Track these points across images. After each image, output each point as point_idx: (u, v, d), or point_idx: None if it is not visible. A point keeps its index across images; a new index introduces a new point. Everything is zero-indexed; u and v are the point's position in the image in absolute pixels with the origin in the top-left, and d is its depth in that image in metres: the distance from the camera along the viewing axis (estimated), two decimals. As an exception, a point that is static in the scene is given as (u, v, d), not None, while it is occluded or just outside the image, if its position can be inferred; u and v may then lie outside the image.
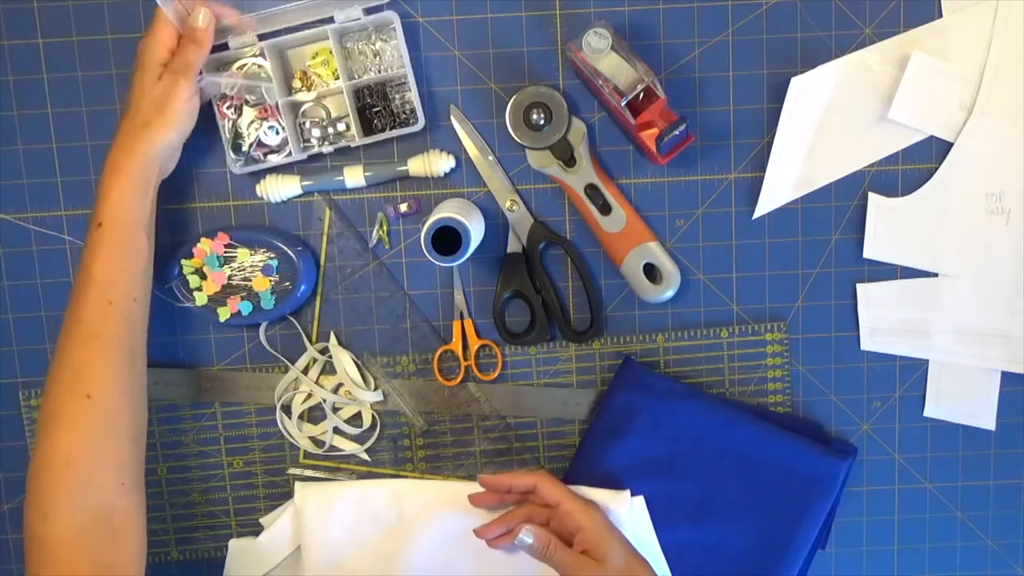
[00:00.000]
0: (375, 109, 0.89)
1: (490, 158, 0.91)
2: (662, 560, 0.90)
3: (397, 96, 0.89)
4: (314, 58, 0.89)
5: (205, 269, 0.89)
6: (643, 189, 0.92)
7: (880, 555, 0.96)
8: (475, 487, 0.91)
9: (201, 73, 0.86)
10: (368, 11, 0.87)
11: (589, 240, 0.92)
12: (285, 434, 0.94)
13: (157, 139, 0.83)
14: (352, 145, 0.89)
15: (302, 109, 0.90)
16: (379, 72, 0.89)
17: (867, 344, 0.94)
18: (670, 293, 0.91)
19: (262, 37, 0.88)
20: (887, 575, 0.97)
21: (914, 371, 0.94)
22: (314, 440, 0.94)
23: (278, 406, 0.93)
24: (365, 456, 0.94)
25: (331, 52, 0.88)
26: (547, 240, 0.92)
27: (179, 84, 0.82)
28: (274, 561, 0.91)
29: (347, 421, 0.94)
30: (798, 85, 0.89)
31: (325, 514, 0.90)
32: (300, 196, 0.91)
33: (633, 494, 0.89)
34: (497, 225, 0.92)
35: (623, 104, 0.83)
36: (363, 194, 0.92)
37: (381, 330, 0.93)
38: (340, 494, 0.91)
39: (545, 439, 0.95)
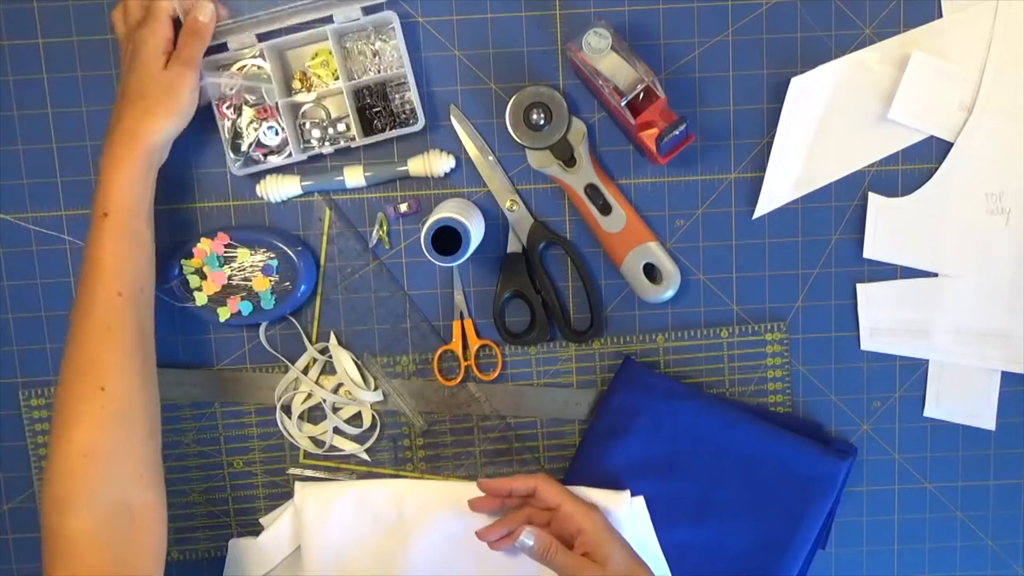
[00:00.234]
0: (375, 109, 0.89)
1: (490, 158, 0.91)
2: (662, 560, 0.90)
3: (397, 96, 0.89)
4: (314, 59, 0.89)
5: (205, 269, 0.90)
6: (643, 189, 0.92)
7: (880, 555, 0.96)
8: (475, 487, 0.91)
9: (200, 75, 0.86)
10: (367, 11, 0.87)
11: (589, 240, 0.92)
12: (285, 434, 0.94)
13: (163, 127, 0.83)
14: (352, 145, 0.89)
15: (302, 110, 0.90)
16: (379, 72, 0.89)
17: (867, 344, 0.94)
18: (670, 293, 0.91)
19: (261, 38, 0.88)
20: (887, 575, 0.97)
21: (914, 371, 0.94)
22: (314, 440, 0.94)
23: (278, 406, 0.93)
24: (365, 456, 0.95)
25: (331, 52, 0.88)
26: (547, 240, 0.92)
27: (187, 74, 0.83)
28: (274, 561, 0.91)
29: (347, 421, 0.94)
30: (798, 85, 0.89)
31: (325, 514, 0.90)
32: (300, 196, 0.91)
33: (633, 494, 0.89)
34: (497, 225, 0.92)
35: (623, 104, 0.83)
36: (363, 194, 0.92)
37: (381, 330, 0.93)
38: (340, 494, 0.91)
39: (545, 439, 0.95)
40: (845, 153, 0.91)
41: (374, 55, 0.89)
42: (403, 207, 0.91)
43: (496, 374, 0.94)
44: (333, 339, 0.93)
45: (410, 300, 0.93)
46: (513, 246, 0.92)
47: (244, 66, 0.88)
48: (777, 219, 0.92)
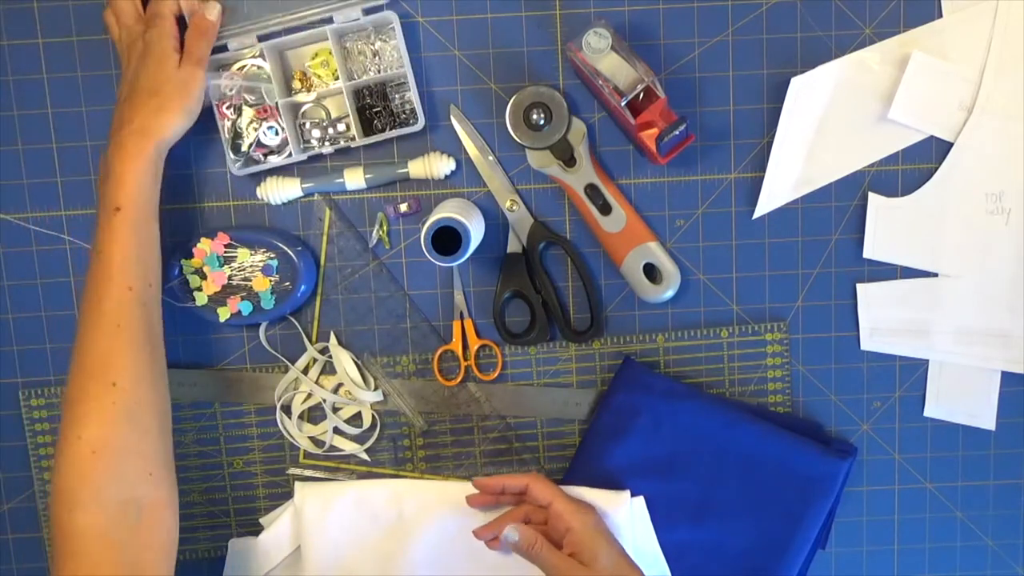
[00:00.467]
0: (375, 109, 0.89)
1: (490, 158, 0.91)
2: (662, 560, 0.90)
3: (397, 96, 0.89)
4: (313, 59, 0.89)
5: (205, 269, 0.90)
6: (643, 189, 0.92)
7: (880, 555, 0.96)
8: (473, 488, 0.91)
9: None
10: (367, 11, 0.87)
11: (589, 240, 0.92)
12: (285, 434, 0.94)
13: (176, 123, 0.83)
14: (352, 145, 0.89)
15: (302, 110, 0.90)
16: (379, 72, 0.89)
17: (867, 344, 0.94)
18: (670, 293, 0.91)
19: (261, 38, 0.88)
20: (887, 575, 0.97)
21: (914, 371, 0.94)
22: (314, 440, 0.94)
23: (278, 406, 0.93)
24: (365, 456, 0.95)
25: (331, 52, 0.88)
26: (547, 240, 0.92)
27: (199, 72, 0.84)
28: (274, 561, 0.91)
29: (347, 421, 0.94)
30: (798, 85, 0.89)
31: (325, 514, 0.90)
32: (300, 197, 0.91)
33: (633, 494, 0.89)
34: (497, 225, 0.92)
35: (623, 104, 0.83)
36: (363, 194, 0.92)
37: (381, 330, 0.93)
38: (340, 494, 0.91)
39: (545, 439, 0.95)
40: (845, 153, 0.91)
41: (374, 55, 0.89)
42: (403, 207, 0.91)
43: (496, 374, 0.94)
44: (333, 339, 0.93)
45: (410, 300, 0.93)
46: (513, 246, 0.92)
47: (244, 66, 0.88)
48: (777, 219, 0.92)
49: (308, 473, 0.95)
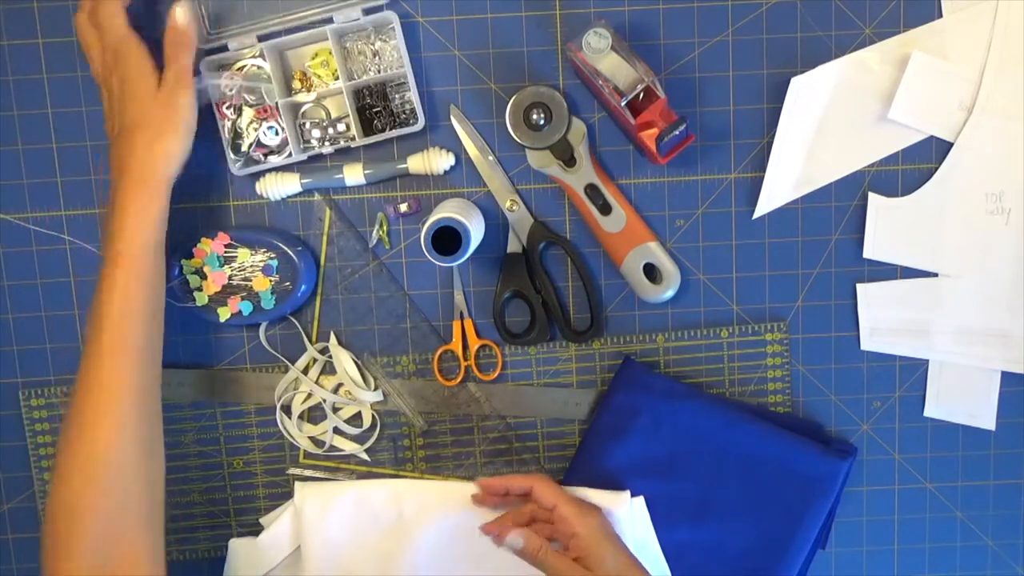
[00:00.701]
0: (375, 109, 0.89)
1: (490, 158, 0.91)
2: (662, 560, 0.90)
3: (397, 96, 0.89)
4: (313, 59, 0.89)
5: (205, 269, 0.90)
6: (643, 189, 0.92)
7: (880, 555, 0.96)
8: (475, 487, 0.91)
9: (200, 74, 0.86)
10: (367, 11, 0.87)
11: (589, 240, 0.92)
12: (285, 434, 0.94)
13: (175, 148, 0.81)
14: (352, 145, 0.89)
15: (302, 110, 0.90)
16: (379, 72, 0.89)
17: (867, 344, 0.94)
18: (670, 293, 0.91)
19: (261, 38, 0.88)
20: (887, 575, 0.97)
21: (914, 371, 0.94)
22: (314, 440, 0.94)
23: (278, 406, 0.93)
24: (365, 456, 0.95)
25: (331, 52, 0.88)
26: (547, 240, 0.92)
27: (181, 86, 0.82)
28: (274, 561, 0.91)
29: (347, 421, 0.94)
30: (798, 85, 0.89)
31: (325, 514, 0.90)
32: (300, 195, 0.91)
33: (633, 494, 0.89)
34: (497, 225, 0.92)
35: (623, 104, 0.83)
36: (363, 194, 0.92)
37: (381, 330, 0.93)
38: (340, 494, 0.91)
39: (545, 439, 0.95)
40: (845, 153, 0.91)
41: (374, 55, 0.89)
42: (403, 207, 0.91)
43: (496, 374, 0.94)
44: (333, 339, 0.93)
45: (410, 300, 0.93)
46: (513, 246, 0.92)
47: (244, 66, 0.88)
48: (777, 219, 0.92)
49: (308, 473, 0.95)
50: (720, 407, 0.91)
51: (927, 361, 0.94)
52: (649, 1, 0.89)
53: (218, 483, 0.95)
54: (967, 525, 0.96)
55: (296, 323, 0.93)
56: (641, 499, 0.89)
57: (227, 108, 0.88)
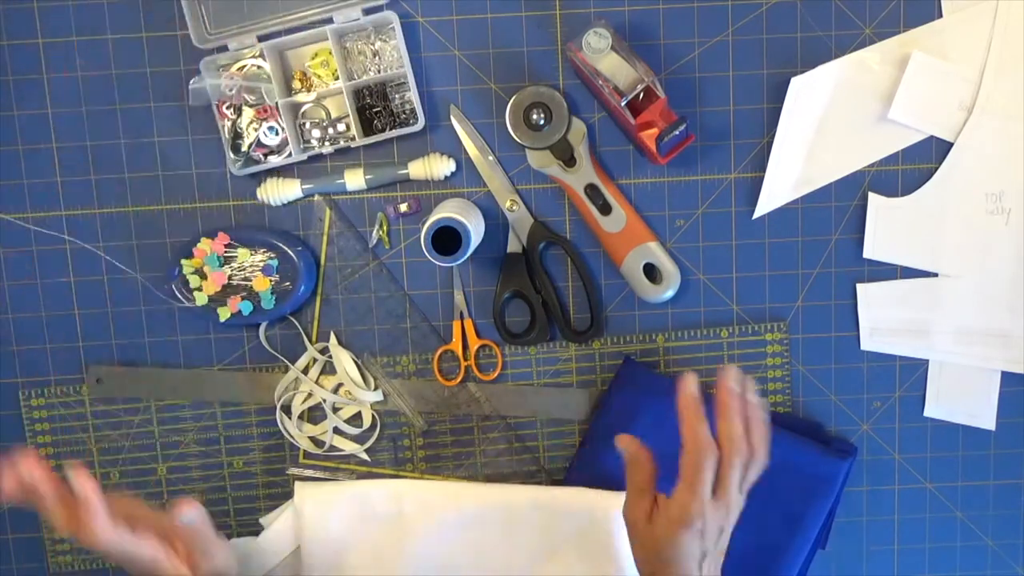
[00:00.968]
0: (375, 109, 0.89)
1: (490, 158, 0.91)
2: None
3: (397, 96, 0.89)
4: (313, 59, 0.89)
5: (205, 269, 0.89)
6: (643, 189, 0.92)
7: (880, 555, 0.96)
8: (475, 487, 0.91)
9: (199, 75, 0.86)
10: (367, 11, 0.87)
11: (589, 240, 0.92)
12: (285, 434, 0.94)
13: None
14: (352, 145, 0.89)
15: (302, 110, 0.90)
16: (379, 72, 0.89)
17: (867, 344, 0.94)
18: (670, 293, 0.91)
19: (261, 38, 0.88)
20: (887, 575, 0.97)
21: (914, 371, 0.94)
22: (314, 440, 0.94)
23: (278, 406, 0.93)
24: (365, 456, 0.95)
25: (331, 52, 0.88)
26: (547, 240, 0.92)
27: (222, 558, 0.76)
28: (274, 561, 0.91)
29: (347, 421, 0.94)
30: (798, 85, 0.89)
31: (325, 514, 0.90)
32: (301, 199, 0.91)
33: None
34: (497, 225, 0.92)
35: (623, 104, 0.83)
36: (363, 194, 0.92)
37: (381, 330, 0.93)
38: (340, 494, 0.91)
39: (545, 439, 0.95)
40: (845, 153, 0.91)
41: (374, 55, 0.89)
42: (403, 207, 0.91)
43: (496, 374, 0.94)
44: (333, 339, 0.93)
45: (410, 300, 0.93)
46: (513, 246, 0.92)
47: (244, 66, 0.88)
48: (777, 219, 0.92)
49: (308, 473, 0.95)
50: (720, 407, 0.91)
51: (927, 361, 0.94)
52: (649, 1, 0.89)
53: (218, 483, 0.95)
54: (967, 525, 0.96)
55: (296, 323, 0.93)
56: (641, 499, 0.89)
57: (227, 108, 0.88)
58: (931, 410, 0.95)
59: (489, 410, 0.94)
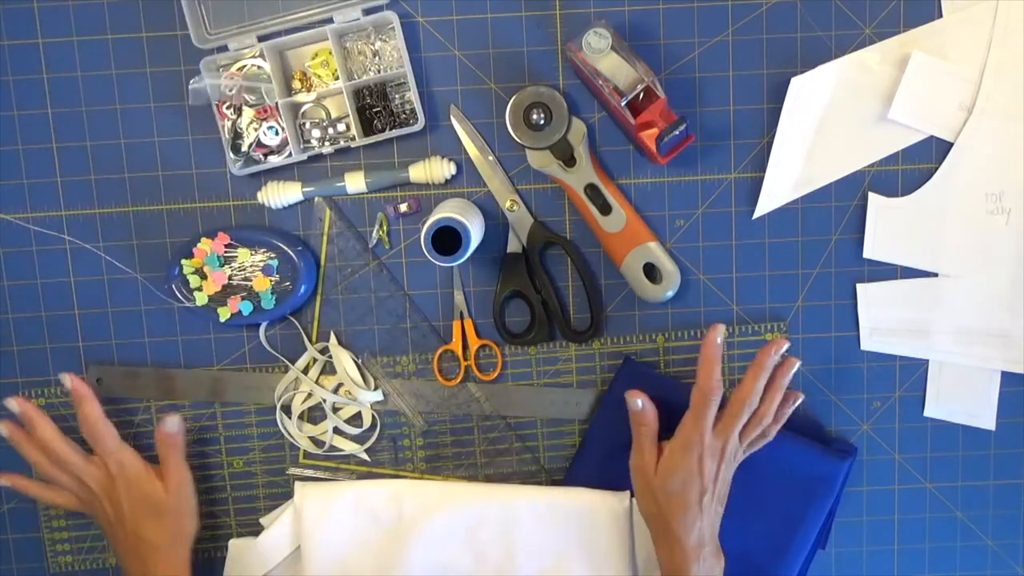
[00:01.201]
0: (375, 109, 0.89)
1: (490, 158, 0.91)
2: (662, 560, 0.90)
3: (397, 96, 0.89)
4: (313, 59, 0.89)
5: (205, 269, 0.89)
6: (643, 189, 0.92)
7: (880, 555, 0.96)
8: (475, 487, 0.91)
9: (199, 75, 0.86)
10: (367, 11, 0.87)
11: (589, 240, 0.92)
12: (285, 434, 0.94)
13: (192, 530, 0.89)
14: (352, 145, 0.89)
15: (302, 110, 0.90)
16: (379, 72, 0.89)
17: (867, 344, 0.94)
18: (670, 293, 0.91)
19: (261, 38, 0.88)
20: (887, 575, 0.97)
21: (914, 371, 0.94)
22: (314, 440, 0.94)
23: (278, 406, 0.93)
24: (365, 456, 0.95)
25: (331, 52, 0.88)
26: (547, 240, 0.92)
27: (188, 482, 0.89)
28: (274, 561, 0.91)
29: (347, 421, 0.94)
30: (798, 85, 0.89)
31: (325, 514, 0.90)
32: (301, 201, 0.91)
33: (633, 495, 0.89)
34: (497, 225, 0.92)
35: (623, 104, 0.83)
36: (363, 195, 0.92)
37: (381, 330, 0.93)
38: (340, 494, 0.91)
39: (545, 439, 0.95)
40: (845, 153, 0.91)
41: (374, 55, 0.89)
42: (403, 207, 0.91)
43: (496, 374, 0.94)
44: (333, 339, 0.93)
45: (410, 300, 0.93)
46: (513, 246, 0.92)
47: (244, 66, 0.88)
48: (777, 219, 0.92)
49: (308, 473, 0.95)
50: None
51: (927, 361, 0.94)
52: (649, 1, 0.89)
53: (218, 483, 0.95)
54: (967, 525, 0.96)
55: (296, 323, 0.93)
56: (641, 499, 0.89)
57: (227, 108, 0.88)
58: (931, 410, 0.95)
59: (489, 410, 0.94)
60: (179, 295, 0.90)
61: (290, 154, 0.88)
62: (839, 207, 0.92)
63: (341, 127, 0.89)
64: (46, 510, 0.95)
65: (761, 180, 0.91)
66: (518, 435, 0.95)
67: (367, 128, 0.90)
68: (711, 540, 0.83)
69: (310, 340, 0.93)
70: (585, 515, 0.90)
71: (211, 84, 0.87)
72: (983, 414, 0.94)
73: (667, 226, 0.92)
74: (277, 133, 0.89)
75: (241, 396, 0.94)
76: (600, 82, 0.84)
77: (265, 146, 0.89)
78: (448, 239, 0.83)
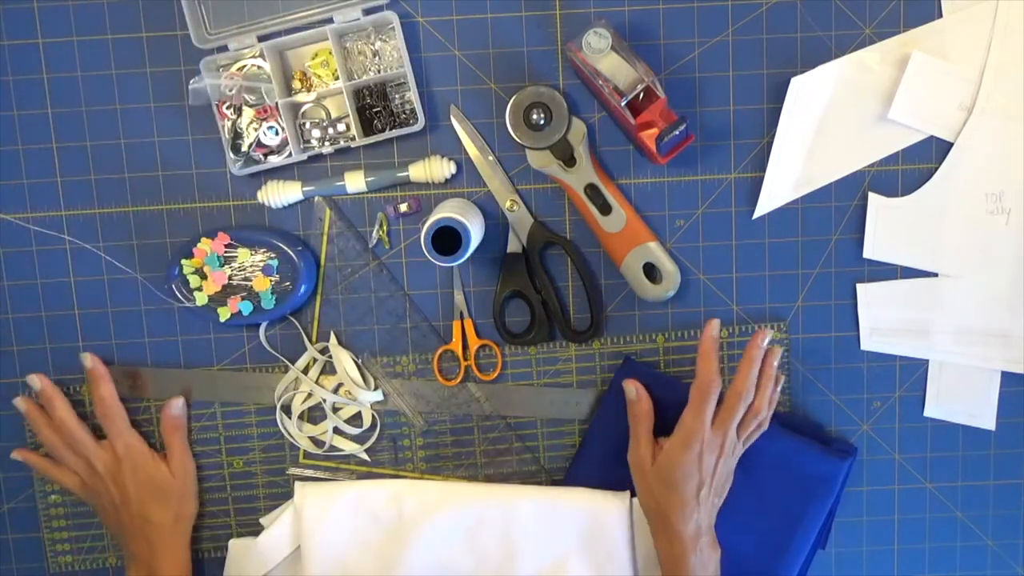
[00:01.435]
0: (375, 109, 0.89)
1: (490, 158, 0.91)
2: (662, 560, 0.90)
3: (397, 96, 0.89)
4: (314, 59, 0.89)
5: (205, 269, 0.89)
6: (643, 189, 0.92)
7: (880, 555, 0.96)
8: (475, 487, 0.91)
9: (199, 75, 0.86)
10: (367, 11, 0.87)
11: (589, 240, 0.92)
12: (285, 434, 0.94)
13: (194, 511, 0.93)
14: (352, 145, 0.89)
15: (302, 110, 0.90)
16: (379, 72, 0.89)
17: (867, 344, 0.94)
18: (670, 293, 0.91)
19: (261, 38, 0.88)
20: (887, 575, 0.97)
21: (914, 371, 0.94)
22: (314, 440, 0.94)
23: (278, 406, 0.93)
24: (365, 456, 0.95)
25: (331, 52, 0.88)
26: (547, 240, 0.91)
27: (191, 463, 0.93)
28: (274, 561, 0.91)
29: (347, 421, 0.94)
30: (798, 85, 0.89)
31: (325, 514, 0.90)
32: (301, 201, 0.91)
33: (633, 494, 0.89)
34: (497, 225, 0.92)
35: (623, 104, 0.83)
36: (363, 194, 0.92)
37: (381, 330, 0.93)
38: (340, 494, 0.91)
39: (545, 439, 0.95)
40: (845, 153, 0.91)
41: (374, 55, 0.89)
42: (403, 207, 0.91)
43: (496, 374, 0.94)
44: (333, 339, 0.93)
45: (410, 300, 0.93)
46: (513, 246, 0.92)
47: (244, 66, 0.88)
48: (777, 219, 0.92)
49: (308, 473, 0.95)
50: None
51: (927, 361, 0.94)
52: (649, 1, 0.89)
53: (218, 483, 0.95)
54: (967, 525, 0.96)
55: (296, 323, 0.93)
56: (641, 499, 0.90)
57: (227, 108, 0.88)
58: (931, 410, 0.95)
59: (489, 410, 0.94)
60: (179, 295, 0.90)
61: (290, 154, 0.88)
62: (839, 207, 0.92)
63: (341, 127, 0.89)
64: (46, 510, 0.95)
65: (761, 180, 0.91)
66: (518, 435, 0.95)
67: (367, 128, 0.90)
68: (708, 532, 0.84)
69: (310, 340, 0.93)
70: (585, 515, 0.90)
71: (211, 84, 0.87)
72: (983, 414, 0.94)
73: (667, 226, 0.92)
74: (277, 133, 0.89)
75: (241, 396, 0.94)
76: (600, 82, 0.84)
77: (265, 146, 0.89)
78: (448, 239, 0.83)
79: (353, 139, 0.89)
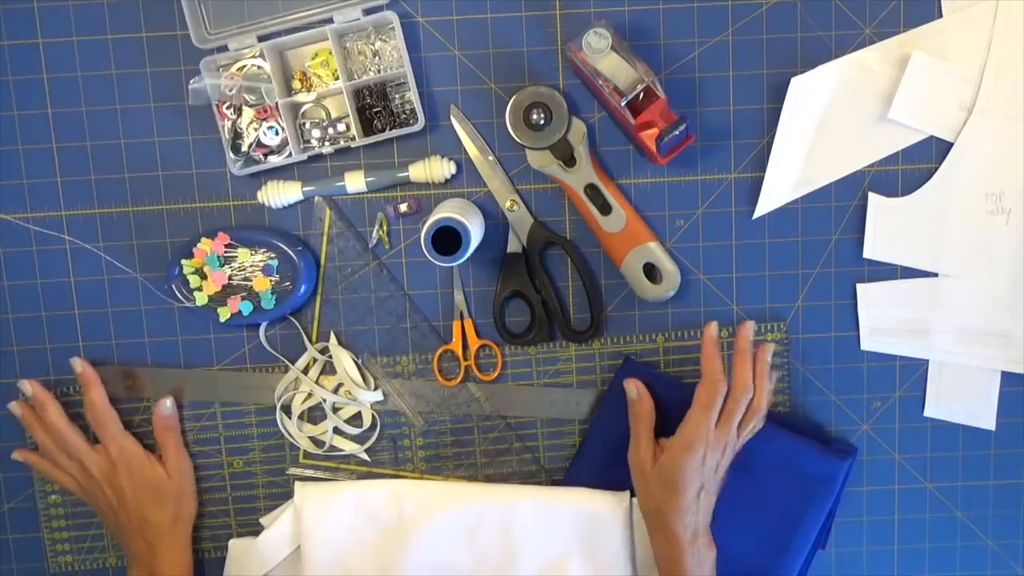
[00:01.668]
0: (375, 109, 0.89)
1: (490, 158, 0.91)
2: (662, 560, 0.90)
3: (397, 96, 0.89)
4: (314, 58, 0.89)
5: (205, 269, 0.89)
6: (643, 189, 0.92)
7: (880, 555, 0.96)
8: (475, 487, 0.91)
9: (199, 75, 0.86)
10: (367, 11, 0.87)
11: (589, 240, 0.92)
12: (285, 434, 0.94)
13: (193, 510, 0.93)
14: (352, 145, 0.89)
15: (302, 110, 0.90)
16: (379, 72, 0.89)
17: (867, 344, 0.94)
18: (670, 293, 0.91)
19: (261, 38, 0.88)
20: (887, 575, 0.97)
21: (914, 371, 0.94)
22: (314, 440, 0.94)
23: (278, 406, 0.93)
24: (365, 456, 0.95)
25: (331, 52, 0.88)
26: (547, 240, 0.91)
27: (187, 463, 0.93)
28: (274, 561, 0.91)
29: (347, 421, 0.94)
30: (798, 85, 0.89)
31: (325, 514, 0.90)
32: (301, 201, 0.91)
33: (633, 495, 0.89)
34: (497, 225, 0.92)
35: (623, 104, 0.83)
36: (363, 194, 0.92)
37: (381, 330, 0.93)
38: (340, 494, 0.91)
39: (545, 439, 0.95)
40: (845, 153, 0.91)
41: (374, 55, 0.89)
42: (403, 207, 0.91)
43: (496, 374, 0.94)
44: (333, 339, 0.93)
45: (410, 300, 0.93)
46: (513, 246, 0.92)
47: (244, 66, 0.88)
48: (777, 219, 0.92)
49: (308, 473, 0.95)
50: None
51: (927, 361, 0.94)
52: (649, 1, 0.89)
53: (218, 483, 0.95)
54: (967, 525, 0.96)
55: (296, 323, 0.93)
56: (641, 499, 0.90)
57: (227, 108, 0.88)
58: (931, 410, 0.95)
59: (489, 410, 0.94)
60: (179, 295, 0.90)
61: (290, 154, 0.88)
62: (839, 207, 0.92)
63: (341, 127, 0.89)
64: (46, 510, 0.95)
65: (761, 180, 0.91)
66: (518, 435, 0.95)
67: (367, 128, 0.90)
68: (704, 531, 0.85)
69: (310, 340, 0.93)
70: (585, 515, 0.90)
71: (211, 84, 0.87)
72: (983, 414, 0.94)
73: (667, 226, 0.92)
74: (277, 133, 0.89)
75: (241, 396, 0.94)
76: (600, 82, 0.84)
77: (265, 146, 0.89)
78: (448, 239, 0.83)
79: (353, 139, 0.89)
